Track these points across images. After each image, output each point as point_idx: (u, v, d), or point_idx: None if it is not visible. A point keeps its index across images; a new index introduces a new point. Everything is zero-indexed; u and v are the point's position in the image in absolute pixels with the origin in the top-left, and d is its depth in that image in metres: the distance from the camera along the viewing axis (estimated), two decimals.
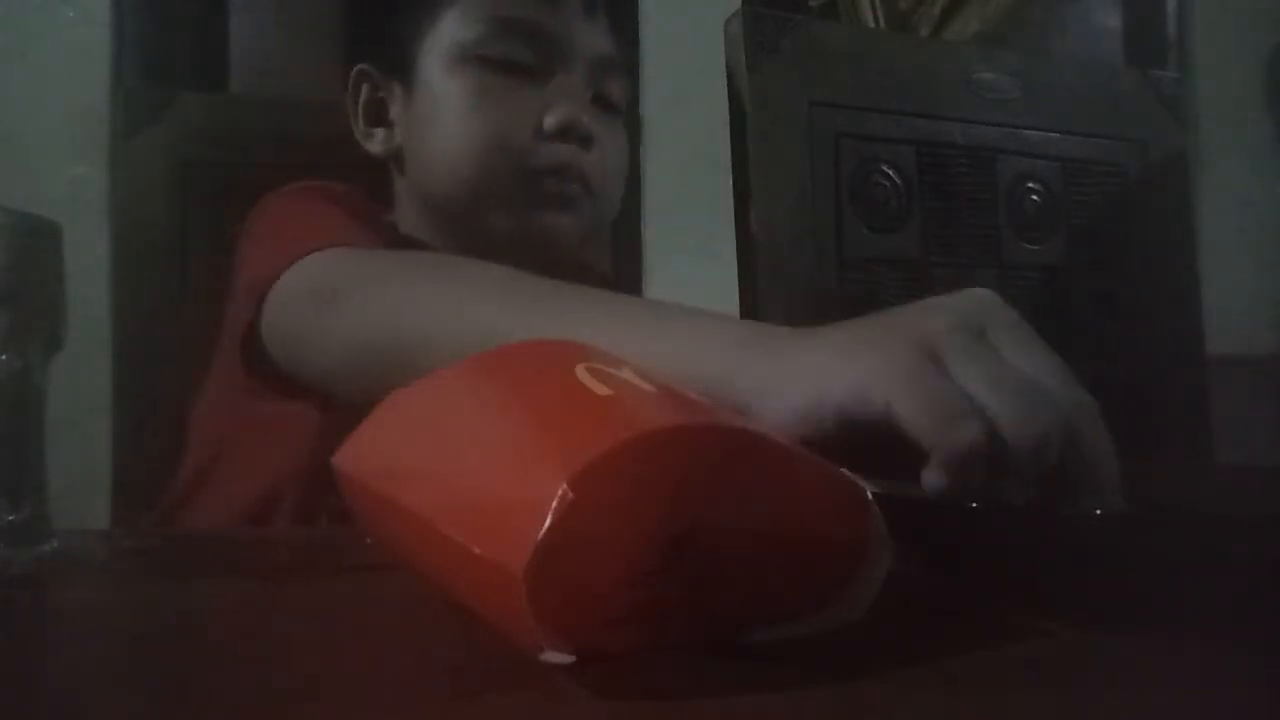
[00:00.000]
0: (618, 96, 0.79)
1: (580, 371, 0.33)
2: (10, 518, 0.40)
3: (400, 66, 0.78)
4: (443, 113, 0.75)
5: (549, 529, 0.25)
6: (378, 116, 0.80)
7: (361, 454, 0.37)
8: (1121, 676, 0.29)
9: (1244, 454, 0.65)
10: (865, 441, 0.34)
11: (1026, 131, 0.84)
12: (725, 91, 0.82)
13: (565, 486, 0.25)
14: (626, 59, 0.80)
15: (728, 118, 0.81)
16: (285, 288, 0.64)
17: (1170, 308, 0.87)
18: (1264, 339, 1.80)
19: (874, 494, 0.30)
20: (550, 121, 0.73)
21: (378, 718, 0.26)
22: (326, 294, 0.62)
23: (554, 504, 0.25)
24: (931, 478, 0.33)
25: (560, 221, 0.75)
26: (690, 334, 0.43)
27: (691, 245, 1.65)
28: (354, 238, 0.68)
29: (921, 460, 0.33)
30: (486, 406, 0.35)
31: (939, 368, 0.35)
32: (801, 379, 0.37)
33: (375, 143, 0.80)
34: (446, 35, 0.75)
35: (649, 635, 0.29)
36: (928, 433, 0.33)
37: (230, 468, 0.74)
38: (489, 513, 0.29)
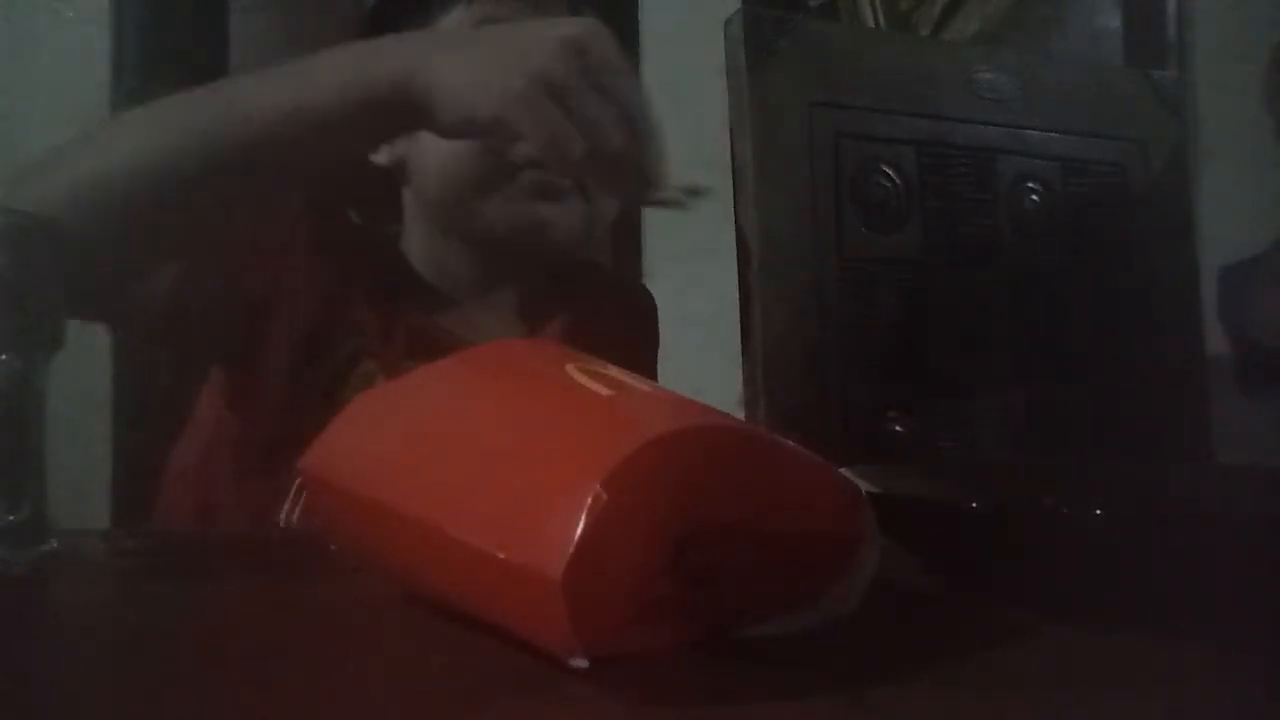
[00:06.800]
0: None
1: (573, 371, 0.33)
2: (10, 518, 0.40)
3: None
4: None
5: (584, 531, 0.25)
6: None
7: (336, 456, 0.36)
8: (1121, 676, 0.29)
9: (1244, 454, 0.65)
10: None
11: (1026, 131, 0.84)
12: (725, 91, 0.82)
13: (599, 487, 0.25)
14: None
15: (728, 118, 0.81)
16: None
17: (1170, 308, 0.87)
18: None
19: (868, 492, 0.30)
20: None
21: (377, 718, 0.26)
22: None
23: (588, 505, 0.25)
24: None
25: (551, 212, 0.76)
26: (364, 47, 0.60)
27: (691, 245, 1.65)
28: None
29: None
30: (485, 407, 0.35)
31: (551, 96, 0.53)
32: (460, 94, 0.55)
33: (381, 154, 0.82)
34: None
35: (653, 635, 0.29)
36: (542, 147, 0.53)
37: None
38: (510, 515, 0.28)
